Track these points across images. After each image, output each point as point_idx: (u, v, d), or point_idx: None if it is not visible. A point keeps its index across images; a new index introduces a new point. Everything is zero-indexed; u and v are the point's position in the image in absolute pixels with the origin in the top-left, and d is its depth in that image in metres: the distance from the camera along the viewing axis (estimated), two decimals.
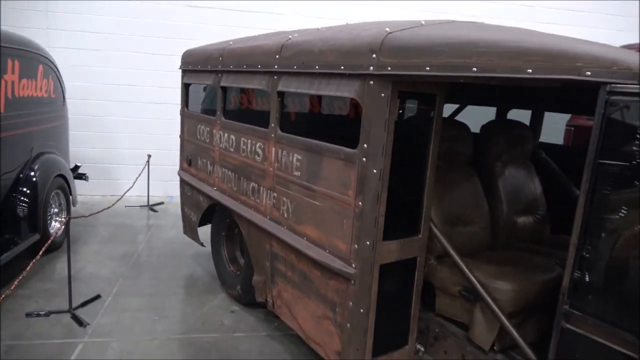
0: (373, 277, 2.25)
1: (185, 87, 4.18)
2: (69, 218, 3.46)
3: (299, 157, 2.61)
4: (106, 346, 3.05)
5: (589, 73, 1.55)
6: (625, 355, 1.52)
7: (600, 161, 1.57)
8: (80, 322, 3.28)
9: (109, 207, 4.63)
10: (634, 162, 1.52)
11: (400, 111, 2.71)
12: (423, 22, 2.17)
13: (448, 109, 3.92)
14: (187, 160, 4.19)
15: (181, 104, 4.25)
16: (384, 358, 2.42)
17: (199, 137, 3.91)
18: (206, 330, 3.33)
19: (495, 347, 2.30)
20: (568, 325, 1.69)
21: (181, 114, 4.28)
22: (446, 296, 2.54)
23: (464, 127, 2.87)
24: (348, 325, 2.32)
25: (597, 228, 1.61)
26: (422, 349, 2.58)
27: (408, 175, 2.33)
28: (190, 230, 4.33)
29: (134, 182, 6.01)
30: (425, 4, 6.77)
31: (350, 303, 2.29)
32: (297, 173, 2.64)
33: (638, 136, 1.50)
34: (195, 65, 3.89)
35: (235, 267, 3.84)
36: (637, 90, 1.46)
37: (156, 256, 4.64)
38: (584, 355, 1.66)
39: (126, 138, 6.69)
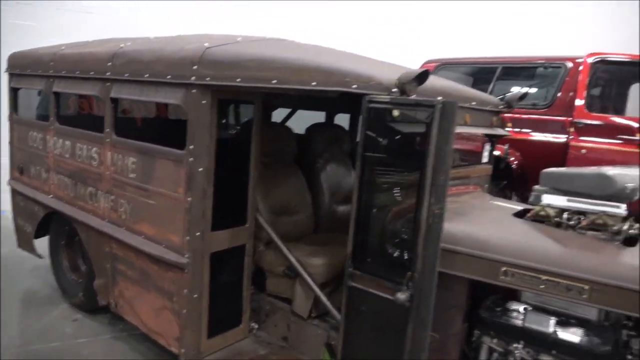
0: (204, 265, 2.52)
1: (14, 92, 3.98)
2: None
3: (134, 159, 2.77)
4: None
5: (354, 86, 2.02)
6: (387, 299, 2.01)
7: (366, 153, 2.05)
8: None
9: None
10: (389, 152, 2.03)
11: (238, 123, 2.98)
12: (239, 39, 2.50)
13: (282, 113, 4.38)
14: (19, 169, 3.99)
15: (9, 110, 4.03)
16: (219, 338, 2.69)
17: (31, 144, 3.77)
18: (46, 340, 3.25)
19: (312, 314, 2.72)
20: (352, 283, 2.14)
21: (10, 120, 4.05)
22: (274, 277, 2.91)
23: (287, 129, 3.29)
24: (184, 311, 2.55)
25: (368, 205, 2.09)
26: (256, 326, 2.92)
27: (234, 171, 2.65)
28: (25, 242, 4.11)
29: None
30: None
31: (185, 290, 2.53)
32: (132, 175, 2.79)
33: (388, 133, 2.01)
34: (24, 69, 3.75)
35: (77, 275, 3.78)
36: (386, 100, 1.97)
37: None
38: (364, 304, 2.12)
39: None
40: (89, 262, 3.36)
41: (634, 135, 4.14)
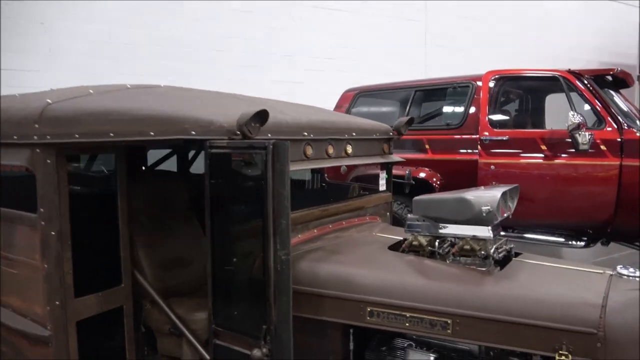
0: (69, 335, 2.32)
1: None
2: None
3: None
4: None
5: (194, 132, 1.92)
6: (245, 354, 1.85)
7: (212, 202, 1.93)
8: None
9: None
10: (234, 200, 1.93)
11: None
12: (91, 91, 2.38)
13: None
14: None
15: None
16: None
17: None
18: None
19: None
20: (217, 341, 1.99)
21: None
22: (163, 336, 2.71)
23: (174, 176, 3.16)
24: None
25: (221, 257, 1.96)
26: None
27: (100, 231, 2.48)
28: None
29: None
30: None
31: None
32: None
33: (231, 180, 1.91)
34: None
35: None
36: (223, 144, 1.87)
37: None
38: None
39: None
40: None
41: (539, 148, 4.20)
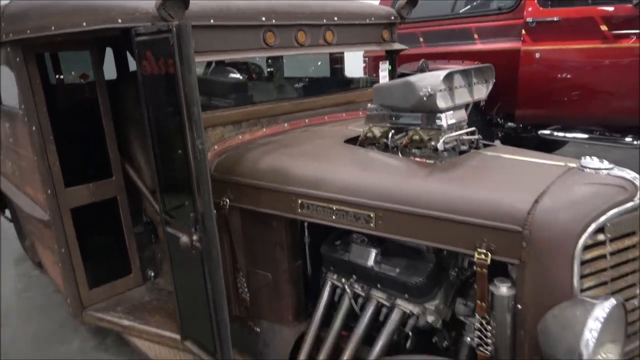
0: (66, 221, 2.57)
1: None
2: None
3: (7, 124, 2.84)
4: None
5: (120, 20, 1.86)
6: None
7: (145, 93, 1.92)
8: None
9: None
10: (160, 90, 1.89)
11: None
12: None
13: None
14: None
15: None
16: (105, 288, 2.78)
17: None
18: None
19: None
20: (168, 229, 2.08)
21: None
22: (160, 225, 2.91)
23: None
24: (60, 265, 2.65)
25: (159, 146, 1.98)
26: (153, 273, 2.98)
27: (84, 126, 2.63)
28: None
29: None
30: None
31: (56, 246, 2.62)
32: (11, 139, 2.87)
33: (155, 69, 1.85)
34: None
35: None
36: (142, 31, 1.80)
37: None
38: (176, 249, 2.04)
39: None
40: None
41: (598, 29, 3.51)
